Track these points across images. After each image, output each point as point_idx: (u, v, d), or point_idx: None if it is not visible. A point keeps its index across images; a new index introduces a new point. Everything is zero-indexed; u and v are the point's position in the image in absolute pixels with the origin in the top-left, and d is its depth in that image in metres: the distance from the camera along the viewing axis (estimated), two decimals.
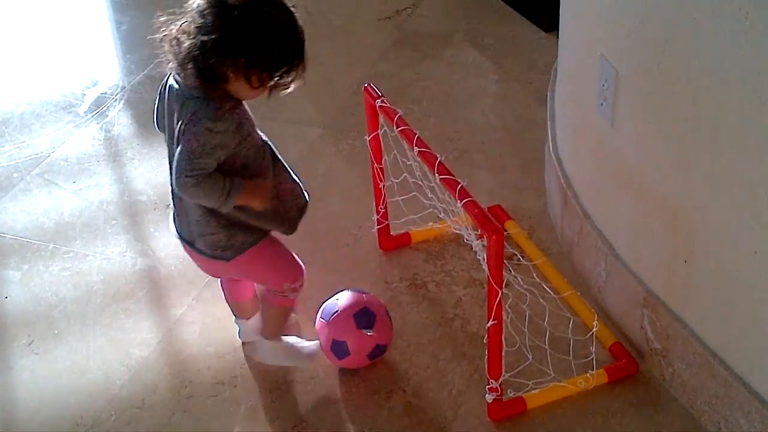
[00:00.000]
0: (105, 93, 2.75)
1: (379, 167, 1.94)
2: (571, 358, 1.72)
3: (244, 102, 1.50)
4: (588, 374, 1.70)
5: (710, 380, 1.59)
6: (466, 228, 1.75)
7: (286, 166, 1.62)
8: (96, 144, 2.53)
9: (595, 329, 1.72)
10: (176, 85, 1.48)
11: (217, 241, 1.57)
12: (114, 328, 1.94)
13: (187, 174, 1.44)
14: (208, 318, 1.95)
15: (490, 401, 1.66)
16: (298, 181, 1.64)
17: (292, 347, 1.79)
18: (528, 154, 2.36)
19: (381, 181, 1.96)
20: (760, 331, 1.47)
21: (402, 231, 2.08)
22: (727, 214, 1.47)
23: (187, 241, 1.62)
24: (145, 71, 2.82)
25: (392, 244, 2.08)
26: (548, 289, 1.79)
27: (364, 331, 1.71)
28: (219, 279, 1.80)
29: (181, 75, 1.45)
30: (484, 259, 1.54)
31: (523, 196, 2.23)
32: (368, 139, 1.90)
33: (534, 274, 1.84)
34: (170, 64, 1.46)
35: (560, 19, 2.02)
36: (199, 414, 1.75)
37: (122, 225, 2.23)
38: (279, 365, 1.80)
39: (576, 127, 1.99)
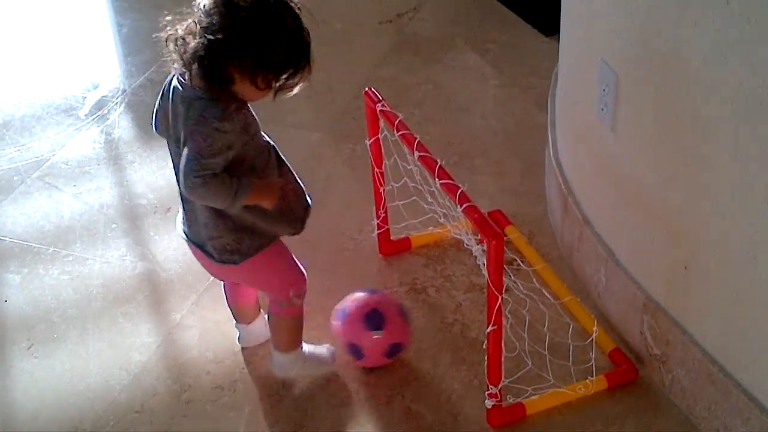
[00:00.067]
0: (106, 96, 2.75)
1: (380, 171, 1.94)
2: (570, 363, 1.72)
3: (248, 103, 1.50)
4: (587, 380, 1.70)
5: (710, 386, 1.58)
6: (466, 233, 1.75)
7: (290, 167, 1.62)
8: (96, 147, 2.53)
9: (594, 335, 1.72)
10: (181, 87, 1.47)
11: (225, 245, 1.56)
12: (113, 332, 1.94)
13: (195, 174, 1.43)
14: (207, 322, 1.94)
15: (489, 407, 1.66)
16: (300, 183, 1.64)
17: (312, 354, 1.79)
18: (528, 158, 2.36)
19: (381, 185, 1.96)
20: (760, 338, 1.47)
21: (402, 235, 2.08)
22: (727, 220, 1.46)
23: (198, 244, 1.61)
24: (146, 74, 2.83)
25: (392, 248, 2.08)
26: (548, 295, 1.79)
27: (374, 332, 1.71)
28: (222, 282, 1.80)
29: (187, 76, 1.45)
30: (483, 264, 1.54)
31: (523, 201, 2.22)
32: (369, 143, 1.90)
33: (534, 280, 1.84)
34: (175, 65, 1.46)
35: (561, 24, 2.02)
36: (198, 419, 1.75)
37: (122, 228, 2.23)
38: (302, 375, 1.78)
39: (576, 132, 1.99)
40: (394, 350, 1.76)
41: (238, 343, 1.87)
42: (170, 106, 1.50)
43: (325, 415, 1.73)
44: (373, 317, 1.72)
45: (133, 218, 2.26)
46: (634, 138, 1.69)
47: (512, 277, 1.79)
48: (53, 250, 2.17)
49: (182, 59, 1.43)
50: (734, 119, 1.38)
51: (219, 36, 1.39)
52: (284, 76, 1.45)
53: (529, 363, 1.73)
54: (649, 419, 1.68)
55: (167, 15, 1.45)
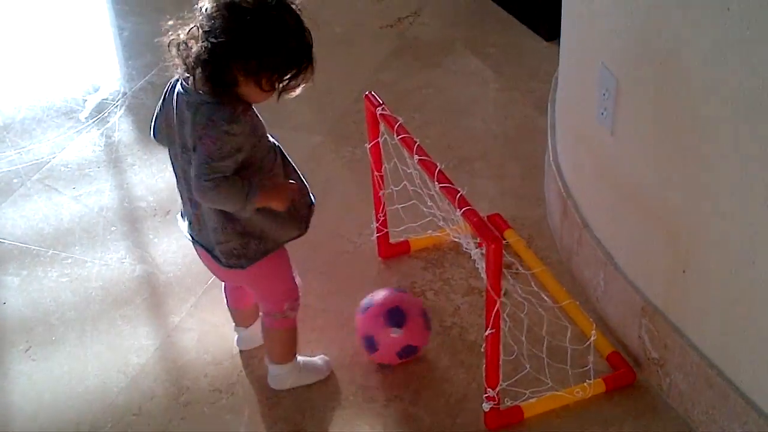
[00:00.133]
0: (106, 99, 2.75)
1: (379, 175, 1.94)
2: (568, 367, 1.71)
3: (253, 105, 1.50)
4: (585, 383, 1.70)
5: (707, 390, 1.58)
6: (465, 236, 1.75)
7: (295, 167, 1.62)
8: (96, 150, 2.53)
9: (593, 338, 1.72)
10: (185, 92, 1.47)
11: (233, 249, 1.56)
12: (112, 334, 1.94)
13: (206, 178, 1.43)
14: (206, 325, 1.94)
15: (487, 410, 1.66)
16: (305, 181, 1.64)
17: (306, 364, 1.79)
18: (528, 162, 2.36)
19: (381, 188, 1.96)
20: (758, 342, 1.47)
21: (401, 239, 2.08)
22: (725, 224, 1.46)
23: (207, 248, 1.61)
24: (147, 77, 2.83)
25: (391, 251, 2.08)
26: (547, 298, 1.79)
27: (392, 330, 1.71)
28: (222, 285, 1.80)
29: (191, 80, 1.45)
30: (482, 267, 1.54)
31: (522, 205, 2.22)
32: (368, 146, 1.91)
33: (532, 283, 1.84)
34: (178, 70, 1.46)
35: (561, 28, 2.02)
36: (196, 421, 1.75)
37: (121, 231, 2.23)
38: (298, 385, 1.78)
39: (576, 136, 1.99)
40: (408, 352, 1.76)
41: (236, 345, 1.87)
42: (174, 112, 1.50)
43: (323, 417, 1.73)
44: (395, 314, 1.73)
45: (132, 221, 2.27)
46: (633, 142, 1.69)
47: (511, 281, 1.79)
48: (52, 252, 2.18)
49: (185, 64, 1.43)
50: (734, 123, 1.39)
51: (222, 39, 1.39)
52: (287, 77, 1.45)
53: (528, 366, 1.73)
54: (647, 423, 1.68)
55: (169, 20, 1.45)
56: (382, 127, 1.85)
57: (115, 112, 2.69)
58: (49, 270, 2.12)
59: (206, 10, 1.41)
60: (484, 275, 1.52)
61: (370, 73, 2.80)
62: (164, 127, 1.55)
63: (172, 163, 1.58)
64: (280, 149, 1.59)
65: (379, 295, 1.79)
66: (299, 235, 1.63)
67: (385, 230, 2.04)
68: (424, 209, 1.87)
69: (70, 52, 3.05)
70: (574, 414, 1.70)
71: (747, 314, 1.48)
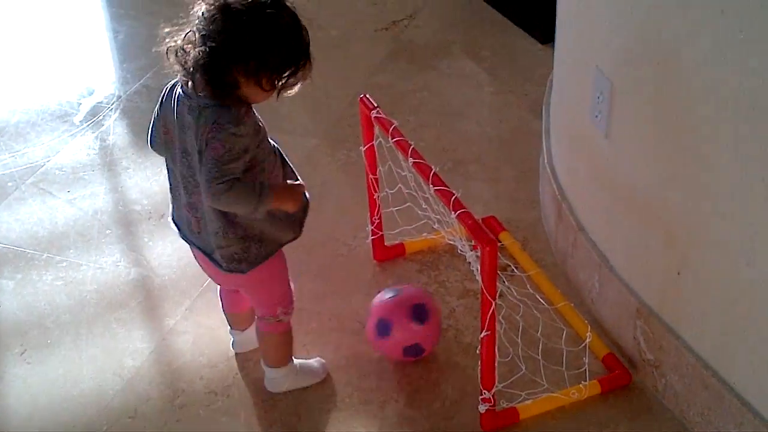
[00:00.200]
0: (101, 102, 2.75)
1: (374, 178, 1.94)
2: (564, 368, 1.72)
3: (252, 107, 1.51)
4: (581, 385, 1.70)
5: (703, 391, 1.59)
6: (460, 239, 1.75)
7: (293, 169, 1.62)
8: (91, 153, 2.53)
9: (588, 340, 1.72)
10: (186, 96, 1.47)
11: (233, 254, 1.56)
12: (107, 337, 1.94)
13: (219, 181, 1.43)
14: (201, 328, 1.94)
15: (482, 412, 1.66)
16: (302, 181, 1.64)
17: (302, 367, 1.79)
18: (523, 165, 2.36)
19: (376, 191, 1.96)
20: (753, 343, 1.47)
21: (396, 242, 2.08)
22: (720, 226, 1.47)
23: (206, 252, 1.60)
24: (141, 81, 2.83)
25: (386, 254, 2.08)
26: (542, 300, 1.80)
27: (414, 323, 1.72)
28: (217, 288, 1.79)
29: (191, 85, 1.44)
30: (477, 270, 1.54)
31: (517, 208, 2.23)
32: (363, 149, 1.91)
33: (528, 285, 1.84)
34: (178, 76, 1.46)
35: (556, 31, 2.03)
36: (191, 424, 1.74)
37: (116, 234, 2.23)
38: (294, 388, 1.78)
39: (571, 139, 1.99)
40: (415, 351, 1.76)
41: (231, 348, 1.87)
42: (174, 117, 1.49)
43: (318, 419, 1.73)
44: (420, 311, 1.74)
45: (127, 224, 2.26)
46: (627, 144, 1.69)
47: (506, 283, 1.79)
48: (47, 255, 2.17)
49: (185, 69, 1.43)
50: (730, 124, 1.39)
51: (221, 42, 1.39)
52: (286, 75, 1.45)
53: (523, 368, 1.73)
54: (643, 424, 1.68)
55: (164, 27, 1.44)
56: (377, 130, 1.85)
57: (110, 116, 2.69)
58: (43, 273, 2.12)
59: (202, 14, 1.41)
60: (479, 277, 1.52)
61: (366, 76, 2.80)
62: (162, 134, 1.55)
63: (168, 169, 1.58)
64: (279, 151, 1.59)
65: (409, 289, 1.82)
66: (294, 238, 1.63)
67: (380, 233, 2.04)
68: (419, 212, 1.87)
69: (65, 56, 3.05)
70: (570, 415, 1.70)
71: (742, 315, 1.48)
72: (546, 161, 2.13)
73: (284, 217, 1.59)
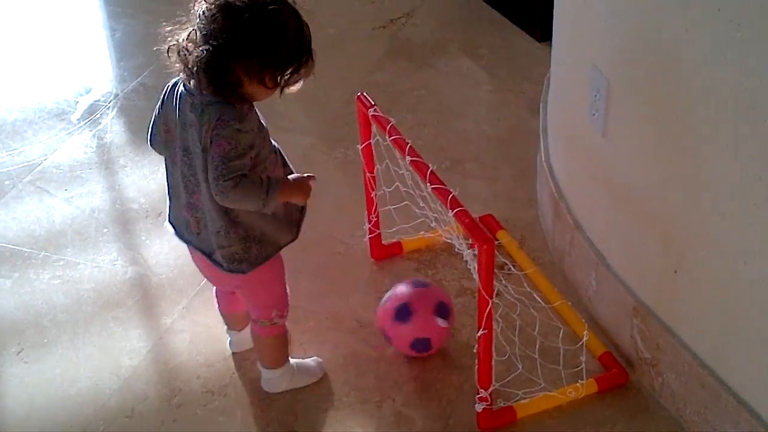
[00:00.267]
0: (98, 100, 2.75)
1: (371, 176, 1.94)
2: (561, 367, 1.72)
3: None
4: (578, 384, 1.70)
5: (700, 390, 1.59)
6: (458, 237, 1.75)
7: (292, 169, 1.62)
8: (88, 152, 2.53)
9: (585, 339, 1.72)
10: (189, 95, 1.46)
11: (234, 254, 1.55)
12: (104, 336, 1.94)
13: (226, 178, 1.42)
14: (198, 327, 1.94)
15: (479, 410, 1.66)
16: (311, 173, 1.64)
17: (299, 367, 1.79)
18: (520, 163, 2.36)
19: (373, 189, 1.96)
20: (750, 342, 1.47)
21: (393, 240, 2.08)
22: (716, 224, 1.47)
23: (205, 252, 1.60)
24: (139, 79, 2.83)
25: (384, 253, 2.08)
26: (539, 299, 1.80)
27: (436, 318, 1.73)
28: (214, 288, 1.79)
29: (194, 83, 1.44)
30: (475, 268, 1.54)
31: (515, 206, 2.23)
32: (361, 148, 1.91)
33: (525, 284, 1.84)
34: (180, 74, 1.46)
35: (554, 30, 2.02)
36: (188, 423, 1.74)
37: (113, 233, 2.23)
38: (292, 388, 1.78)
39: (568, 138, 1.99)
40: (423, 346, 1.76)
41: (228, 347, 1.87)
42: (176, 115, 1.49)
43: (315, 418, 1.73)
44: (443, 309, 1.76)
45: (124, 223, 2.26)
46: (625, 143, 1.69)
47: (503, 281, 1.80)
48: (44, 254, 2.17)
49: (187, 68, 1.42)
50: (725, 125, 1.39)
51: (222, 41, 1.39)
52: (289, 72, 1.44)
53: (520, 367, 1.73)
54: (640, 423, 1.69)
55: (166, 26, 1.44)
56: (374, 128, 1.85)
57: (107, 114, 2.68)
58: (40, 272, 2.12)
59: (202, 12, 1.41)
60: (476, 276, 1.52)
61: (363, 74, 2.80)
62: (162, 132, 1.54)
63: (167, 169, 1.57)
64: (280, 152, 1.59)
65: (437, 287, 1.85)
66: (292, 240, 1.63)
67: (378, 231, 2.04)
68: (417, 210, 1.87)
69: (62, 54, 3.04)
70: (567, 414, 1.70)
71: (739, 314, 1.48)
72: (543, 160, 2.13)
73: (284, 218, 1.59)
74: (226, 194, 1.44)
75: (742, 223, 1.41)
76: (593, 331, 1.82)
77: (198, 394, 1.79)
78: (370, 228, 2.03)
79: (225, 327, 1.85)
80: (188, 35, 1.42)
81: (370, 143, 1.89)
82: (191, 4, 1.43)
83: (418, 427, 1.70)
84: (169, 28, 1.44)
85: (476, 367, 1.61)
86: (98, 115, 2.68)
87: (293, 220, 1.62)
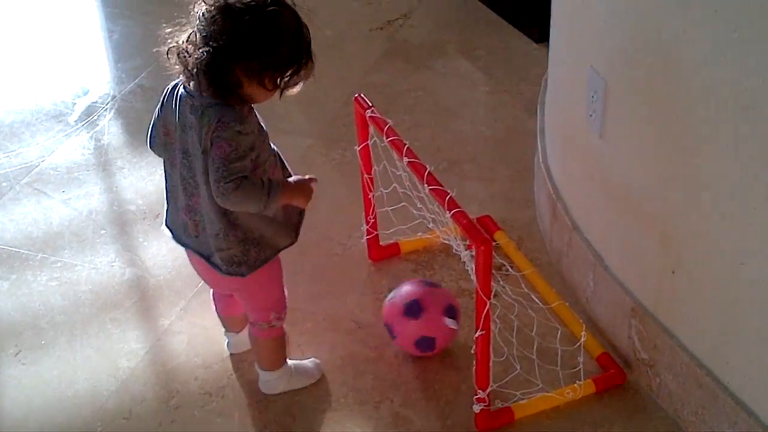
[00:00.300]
0: (95, 102, 2.75)
1: (369, 177, 1.94)
2: (559, 368, 1.72)
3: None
4: (576, 384, 1.70)
5: (697, 390, 1.59)
6: (455, 238, 1.75)
7: (291, 173, 1.62)
8: (86, 153, 2.53)
9: (582, 340, 1.73)
10: (189, 97, 1.46)
11: (233, 256, 1.55)
12: (102, 338, 1.94)
13: (227, 180, 1.42)
14: (195, 328, 1.94)
15: (477, 411, 1.66)
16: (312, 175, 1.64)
17: (297, 368, 1.79)
18: (518, 164, 2.37)
19: (370, 191, 1.96)
20: (747, 342, 1.48)
21: (391, 241, 2.08)
22: (714, 224, 1.47)
23: (204, 255, 1.59)
24: (136, 80, 2.83)
25: (381, 254, 2.08)
26: (537, 300, 1.80)
27: (446, 317, 1.74)
28: (211, 291, 1.79)
29: (194, 85, 1.44)
30: (472, 269, 1.54)
31: (512, 207, 2.23)
32: (358, 149, 1.91)
33: (522, 285, 1.84)
34: (180, 76, 1.45)
35: (551, 31, 2.03)
36: (186, 424, 1.74)
37: (111, 235, 2.23)
38: (289, 390, 1.78)
39: (565, 139, 1.99)
40: (427, 345, 1.76)
41: (226, 349, 1.87)
42: (176, 117, 1.49)
43: (313, 419, 1.73)
44: (452, 311, 1.76)
45: (122, 224, 2.26)
46: (622, 143, 1.69)
47: (501, 282, 1.80)
48: (42, 256, 2.17)
49: (187, 70, 1.42)
50: (721, 125, 1.39)
51: (222, 43, 1.38)
52: (289, 74, 1.44)
53: (518, 367, 1.73)
54: (637, 423, 1.69)
55: (165, 27, 1.44)
56: (371, 129, 1.85)
57: (105, 115, 2.68)
58: (38, 274, 2.12)
59: (202, 14, 1.41)
60: (474, 277, 1.52)
61: (360, 75, 2.80)
62: (162, 135, 1.54)
63: (166, 172, 1.57)
64: (279, 155, 1.59)
65: (447, 290, 1.86)
66: (291, 244, 1.63)
67: (375, 232, 2.04)
68: (414, 211, 1.87)
69: (60, 55, 3.04)
70: (565, 415, 1.70)
71: (736, 314, 1.48)
72: (541, 160, 2.13)
73: (283, 222, 1.59)
74: (227, 196, 1.44)
75: (739, 223, 1.41)
76: (591, 332, 1.82)
77: (196, 396, 1.79)
78: (367, 229, 2.03)
79: (223, 329, 1.85)
80: (188, 37, 1.42)
81: (367, 144, 1.89)
82: (191, 6, 1.43)
83: (416, 428, 1.70)
84: (168, 30, 1.44)
85: (474, 367, 1.61)
86: (96, 117, 2.68)
87: (292, 224, 1.62)
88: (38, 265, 2.14)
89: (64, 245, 2.20)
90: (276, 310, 1.68)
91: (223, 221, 1.52)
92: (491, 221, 2.14)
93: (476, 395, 1.64)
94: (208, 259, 1.59)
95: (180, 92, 1.48)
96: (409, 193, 1.83)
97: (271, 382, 1.76)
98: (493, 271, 1.52)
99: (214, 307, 1.81)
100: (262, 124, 1.51)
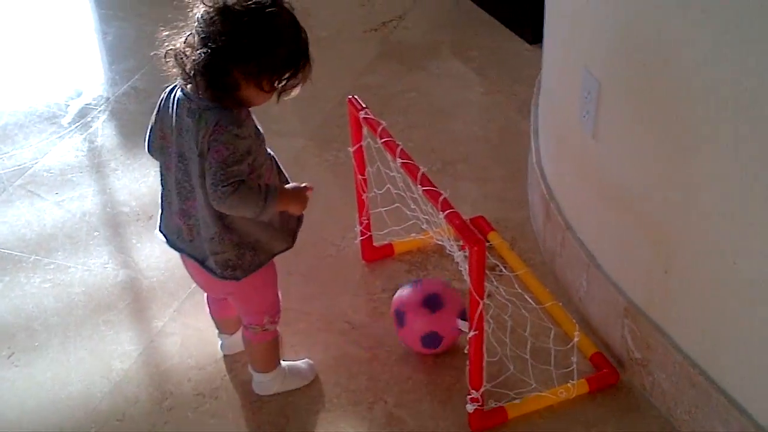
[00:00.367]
0: (89, 104, 2.75)
1: (363, 178, 1.94)
2: (552, 368, 1.72)
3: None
4: (569, 384, 1.71)
5: (690, 389, 1.59)
6: (449, 239, 1.76)
7: (287, 178, 1.62)
8: (79, 155, 2.52)
9: (576, 339, 1.73)
10: (186, 99, 1.46)
11: (228, 260, 1.55)
12: (95, 340, 1.93)
13: (224, 184, 1.42)
14: (189, 329, 1.94)
15: (471, 411, 1.66)
16: (308, 183, 1.63)
17: (290, 369, 1.78)
18: (511, 165, 2.37)
19: (364, 192, 1.96)
20: (739, 341, 1.48)
21: (385, 242, 2.08)
22: (706, 224, 1.47)
23: (198, 259, 1.59)
24: (130, 82, 2.82)
25: (375, 255, 2.08)
26: (530, 300, 1.80)
27: (459, 318, 1.74)
28: (205, 294, 1.79)
29: (191, 87, 1.44)
30: (466, 270, 1.54)
31: (506, 207, 2.23)
32: (352, 150, 1.91)
33: (516, 285, 1.84)
34: (178, 79, 1.45)
35: (544, 32, 2.03)
36: (180, 426, 1.74)
37: (104, 236, 2.22)
38: (283, 391, 1.77)
39: (559, 139, 2.00)
40: (434, 342, 1.76)
41: (220, 350, 1.87)
42: (173, 120, 1.48)
43: (307, 420, 1.73)
44: (464, 315, 1.76)
45: (115, 226, 2.26)
46: (615, 144, 1.70)
47: (494, 283, 1.80)
48: (35, 258, 2.17)
49: (185, 72, 1.42)
50: (713, 125, 1.40)
51: (220, 44, 1.38)
52: (287, 76, 1.44)
53: (511, 367, 1.73)
54: (630, 423, 1.69)
55: (163, 30, 1.44)
56: (365, 130, 1.85)
57: (98, 117, 2.68)
58: (31, 276, 2.11)
59: (201, 16, 1.40)
60: (467, 277, 1.52)
61: (354, 76, 2.80)
62: (159, 139, 1.53)
63: (162, 176, 1.57)
64: (275, 159, 1.58)
65: (458, 293, 1.84)
66: (287, 248, 1.63)
67: (369, 233, 2.04)
68: (408, 212, 1.88)
69: (53, 57, 3.04)
70: (558, 414, 1.70)
71: (729, 314, 1.49)
72: (534, 161, 2.13)
73: (280, 227, 1.59)
74: (224, 200, 1.43)
75: (732, 223, 1.41)
76: (584, 332, 1.83)
77: (189, 397, 1.79)
78: (361, 230, 2.03)
79: (216, 330, 1.85)
80: (185, 39, 1.42)
81: (361, 146, 1.89)
82: (188, 10, 1.43)
83: (409, 429, 1.70)
84: (165, 33, 1.44)
85: (467, 368, 1.61)
86: (89, 119, 2.67)
87: (290, 229, 1.62)
88: (31, 267, 2.14)
89: (58, 247, 2.19)
90: (270, 314, 1.68)
91: (219, 225, 1.52)
92: (485, 222, 2.14)
93: (470, 395, 1.64)
94: (202, 263, 1.58)
95: (177, 95, 1.48)
96: (402, 194, 1.83)
97: (264, 383, 1.76)
98: (487, 272, 1.52)
99: (208, 310, 1.81)
100: (258, 127, 1.51)
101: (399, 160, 1.67)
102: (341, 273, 2.06)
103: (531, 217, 2.19)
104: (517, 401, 1.70)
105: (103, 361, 1.88)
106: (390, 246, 2.09)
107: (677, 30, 1.43)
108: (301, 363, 1.81)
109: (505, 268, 1.96)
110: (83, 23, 3.27)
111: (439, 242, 1.83)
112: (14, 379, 1.86)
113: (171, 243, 1.62)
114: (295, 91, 1.48)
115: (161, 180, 1.57)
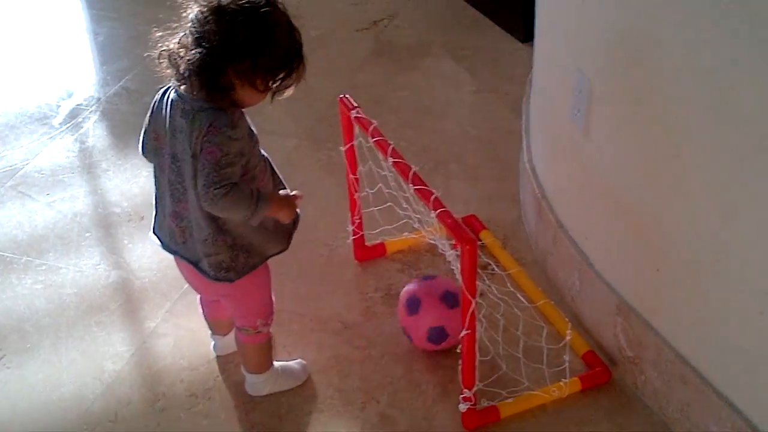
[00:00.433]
0: (80, 104, 2.74)
1: (355, 178, 1.94)
2: (544, 366, 1.72)
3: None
4: (561, 382, 1.71)
5: (682, 387, 1.60)
6: (441, 238, 1.76)
7: (282, 180, 1.61)
8: (70, 156, 2.52)
9: (568, 338, 1.73)
10: (180, 100, 1.45)
11: (221, 262, 1.55)
12: (87, 341, 1.93)
13: (217, 186, 1.41)
14: (181, 330, 1.93)
15: (463, 411, 1.66)
16: (298, 192, 1.63)
17: (284, 370, 1.78)
18: (503, 164, 2.37)
19: (356, 191, 1.96)
20: (731, 339, 1.48)
21: (377, 241, 2.08)
22: (697, 222, 1.48)
23: (192, 261, 1.59)
24: (121, 82, 2.82)
25: (367, 254, 2.08)
26: (522, 299, 1.80)
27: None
28: (198, 296, 1.78)
29: (186, 89, 1.43)
30: (458, 268, 1.54)
31: (498, 206, 2.23)
32: (344, 149, 1.91)
33: (508, 284, 1.84)
34: (171, 80, 1.45)
35: (536, 31, 2.03)
36: (172, 427, 1.74)
37: (96, 237, 2.22)
38: (276, 391, 1.77)
39: (550, 138, 2.00)
40: (440, 337, 1.76)
41: (212, 351, 1.86)
42: (167, 122, 1.48)
43: (300, 421, 1.73)
44: (449, 297, 1.76)
45: (106, 227, 2.25)
46: (606, 142, 1.70)
47: (487, 282, 1.80)
48: (26, 259, 2.16)
49: (179, 73, 1.42)
50: (703, 123, 1.40)
51: (215, 44, 1.38)
52: (281, 76, 1.44)
53: (504, 366, 1.73)
54: (623, 421, 1.69)
55: (156, 31, 1.43)
56: (357, 130, 1.85)
57: (89, 118, 2.67)
58: (23, 277, 2.11)
59: (195, 16, 1.40)
60: (459, 276, 1.52)
61: (346, 76, 2.80)
62: (152, 140, 1.53)
63: (156, 177, 1.56)
64: (269, 161, 1.58)
65: (446, 279, 1.84)
66: (282, 251, 1.63)
67: (361, 233, 2.04)
68: (400, 211, 1.88)
69: (44, 57, 3.03)
70: (551, 413, 1.71)
71: (720, 312, 1.49)
72: (526, 160, 2.14)
73: (274, 230, 1.58)
74: (215, 202, 1.43)
75: (721, 221, 1.42)
76: (576, 330, 1.83)
77: (182, 398, 1.79)
78: (353, 230, 2.03)
79: (209, 331, 1.85)
80: (179, 40, 1.42)
81: (352, 145, 1.89)
82: (180, 11, 1.42)
83: (402, 428, 1.70)
84: (159, 34, 1.43)
85: (460, 367, 1.62)
86: (80, 119, 2.67)
87: (285, 231, 1.62)
88: (23, 268, 2.13)
89: (49, 248, 2.19)
90: (263, 316, 1.68)
91: (212, 226, 1.51)
92: (477, 221, 2.14)
93: (462, 394, 1.64)
94: (196, 264, 1.58)
95: (171, 97, 1.47)
96: (394, 193, 1.83)
97: (257, 384, 1.76)
98: (479, 271, 1.52)
99: (201, 311, 1.81)
100: (252, 128, 1.51)
101: (391, 160, 1.66)
102: (334, 273, 2.06)
103: (523, 215, 2.19)
104: (509, 400, 1.70)
105: (96, 363, 1.87)
106: (382, 245, 2.09)
107: (666, 29, 1.43)
108: (293, 363, 1.81)
109: (497, 266, 1.96)
110: (74, 23, 3.26)
111: (432, 241, 1.83)
112: (6, 381, 1.85)
113: (165, 246, 1.61)
114: (289, 91, 1.48)
115: (155, 182, 1.57)
